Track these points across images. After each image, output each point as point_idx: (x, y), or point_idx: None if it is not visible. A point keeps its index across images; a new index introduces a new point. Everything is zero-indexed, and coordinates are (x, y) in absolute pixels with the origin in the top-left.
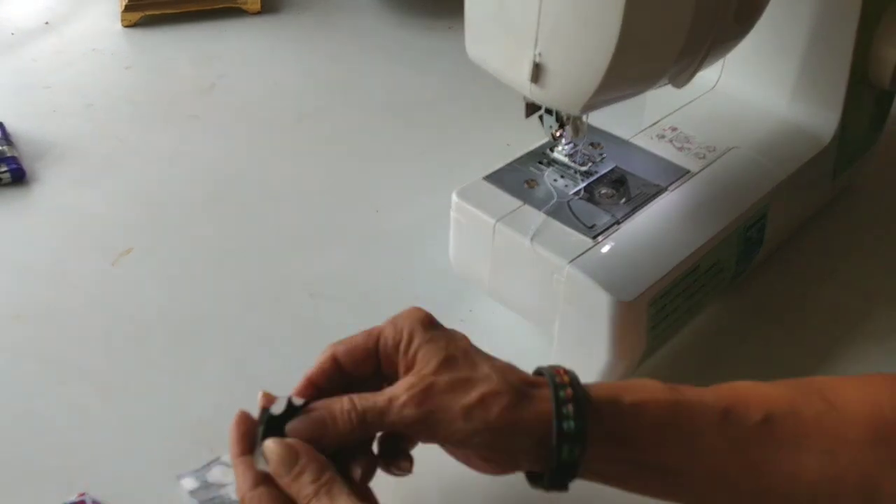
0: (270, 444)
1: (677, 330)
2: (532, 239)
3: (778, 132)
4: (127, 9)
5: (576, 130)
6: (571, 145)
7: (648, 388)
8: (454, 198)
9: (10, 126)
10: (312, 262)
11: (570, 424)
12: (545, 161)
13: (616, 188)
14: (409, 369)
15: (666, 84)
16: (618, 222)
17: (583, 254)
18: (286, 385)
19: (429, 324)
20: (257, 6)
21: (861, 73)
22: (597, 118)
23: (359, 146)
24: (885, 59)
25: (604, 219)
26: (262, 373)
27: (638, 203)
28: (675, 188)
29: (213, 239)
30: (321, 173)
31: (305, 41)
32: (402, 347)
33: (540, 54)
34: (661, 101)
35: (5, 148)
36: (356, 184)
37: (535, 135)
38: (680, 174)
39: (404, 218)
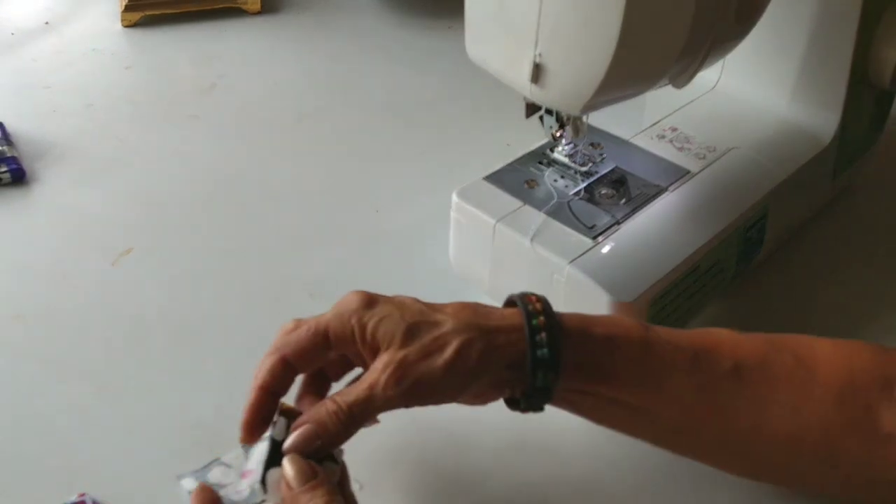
0: (290, 461)
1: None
2: (532, 239)
3: (778, 132)
4: (127, 9)
5: (576, 131)
6: (571, 145)
7: (621, 324)
8: (454, 198)
9: (10, 126)
10: (312, 262)
11: (543, 352)
12: (545, 161)
13: (616, 188)
14: (374, 351)
15: (666, 84)
16: (618, 222)
17: (583, 254)
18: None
19: (372, 303)
20: (257, 6)
21: (861, 73)
22: (597, 118)
23: (359, 146)
24: (885, 59)
25: (604, 219)
26: None
27: (638, 203)
28: (676, 188)
29: (213, 239)
30: (321, 173)
31: (305, 41)
32: (357, 337)
33: (540, 54)
34: (661, 101)
35: (5, 148)
36: (356, 184)
37: (535, 135)
38: (680, 174)
39: (404, 218)
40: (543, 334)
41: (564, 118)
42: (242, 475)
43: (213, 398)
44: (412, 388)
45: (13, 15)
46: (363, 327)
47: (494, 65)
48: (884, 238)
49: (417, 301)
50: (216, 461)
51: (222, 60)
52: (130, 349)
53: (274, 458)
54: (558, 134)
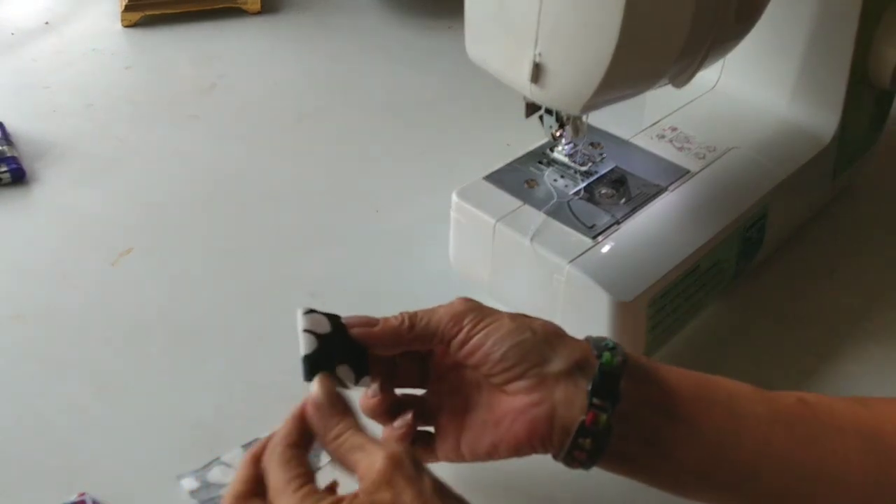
0: (321, 380)
1: (677, 330)
2: (532, 239)
3: (778, 132)
4: (127, 9)
5: (576, 130)
6: (571, 145)
7: (672, 367)
8: (454, 198)
9: (10, 126)
10: (312, 262)
11: (608, 342)
12: (545, 161)
13: (616, 188)
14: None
15: (666, 84)
16: (618, 222)
17: (583, 254)
18: (288, 385)
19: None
20: (257, 6)
21: (861, 73)
22: (597, 118)
23: (359, 146)
24: (885, 58)
25: (604, 219)
26: (262, 373)
27: (638, 203)
28: (675, 188)
29: (213, 239)
30: (321, 173)
31: (305, 41)
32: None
33: (540, 54)
34: (661, 101)
35: (5, 148)
36: (356, 184)
37: (535, 135)
38: (680, 174)
39: (404, 218)
40: (605, 340)
41: (564, 118)
42: None
43: (213, 398)
44: (475, 308)
45: (13, 15)
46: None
47: (494, 64)
48: (884, 238)
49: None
50: (216, 461)
51: (222, 60)
52: (130, 349)
53: (321, 361)
54: (558, 134)
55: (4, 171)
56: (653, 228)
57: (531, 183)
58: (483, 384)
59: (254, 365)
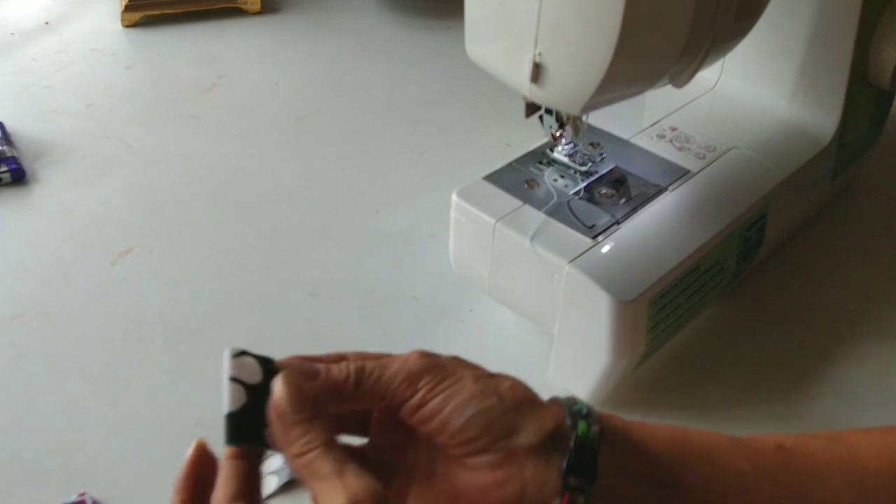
0: (285, 378)
1: (677, 330)
2: (532, 239)
3: (778, 132)
4: (127, 9)
5: (576, 130)
6: (571, 145)
7: (645, 423)
8: (454, 198)
9: (11, 126)
10: (312, 262)
11: (581, 406)
12: (545, 161)
13: (616, 188)
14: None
15: (666, 84)
16: (618, 222)
17: (583, 254)
18: None
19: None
20: (257, 6)
21: (861, 73)
22: (597, 118)
23: (359, 146)
24: (885, 59)
25: (604, 219)
26: None
27: (638, 203)
28: (675, 188)
29: (213, 239)
30: (321, 173)
31: (305, 41)
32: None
33: (540, 54)
34: (660, 101)
35: (5, 148)
36: (356, 184)
37: (535, 135)
38: (680, 174)
39: (404, 218)
40: (578, 401)
41: (564, 118)
42: None
43: (213, 398)
44: (434, 367)
45: (13, 15)
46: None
47: (494, 64)
48: (883, 238)
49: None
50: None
51: (222, 60)
52: (130, 349)
53: (242, 432)
54: (558, 134)
55: (4, 171)
56: (653, 228)
57: (531, 183)
58: (439, 450)
59: None
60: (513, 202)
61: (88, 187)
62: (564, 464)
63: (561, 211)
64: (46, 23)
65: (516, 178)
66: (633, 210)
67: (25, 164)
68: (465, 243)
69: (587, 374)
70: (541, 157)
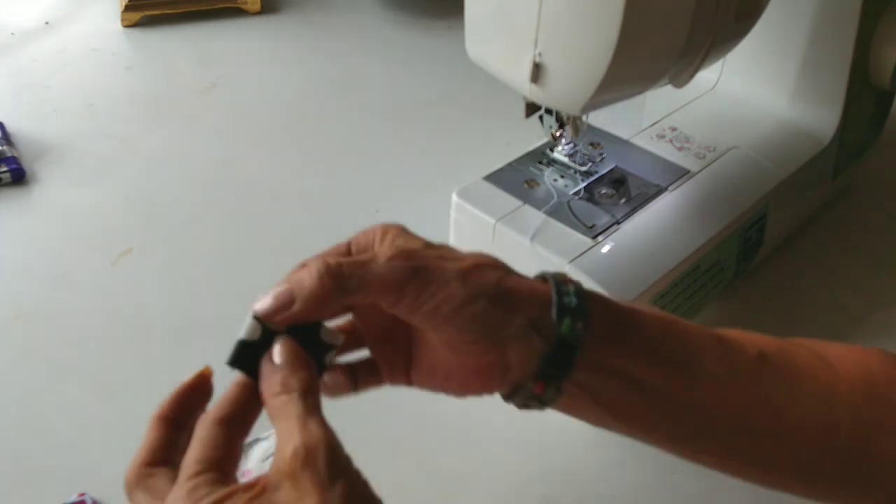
0: (282, 340)
1: None
2: (532, 239)
3: (778, 132)
4: (127, 9)
5: (576, 130)
6: (571, 145)
7: (641, 305)
8: (454, 198)
9: (10, 126)
10: None
11: (571, 299)
12: (545, 161)
13: (616, 188)
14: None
15: (666, 84)
16: (618, 222)
17: (583, 254)
18: None
19: (403, 227)
20: (257, 6)
21: (861, 73)
22: (597, 118)
23: (359, 146)
24: (885, 59)
25: (604, 219)
26: None
27: (638, 203)
28: (675, 188)
29: (213, 239)
30: (321, 173)
31: (305, 41)
32: (377, 242)
33: (540, 54)
34: (661, 100)
35: (5, 148)
36: (356, 183)
37: (535, 135)
38: (680, 174)
39: (404, 218)
40: (571, 286)
41: (564, 118)
42: (242, 475)
43: (214, 398)
44: (418, 271)
45: (13, 15)
46: (385, 235)
47: (494, 64)
48: (883, 238)
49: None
50: None
51: (222, 60)
52: (130, 349)
53: (243, 360)
54: (558, 133)
55: (4, 171)
56: (653, 228)
57: (531, 183)
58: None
59: None
60: (513, 202)
61: (88, 187)
62: (545, 354)
63: (561, 211)
64: (46, 23)
65: (516, 178)
66: (633, 210)
67: (25, 164)
68: (465, 243)
69: None
70: (541, 157)
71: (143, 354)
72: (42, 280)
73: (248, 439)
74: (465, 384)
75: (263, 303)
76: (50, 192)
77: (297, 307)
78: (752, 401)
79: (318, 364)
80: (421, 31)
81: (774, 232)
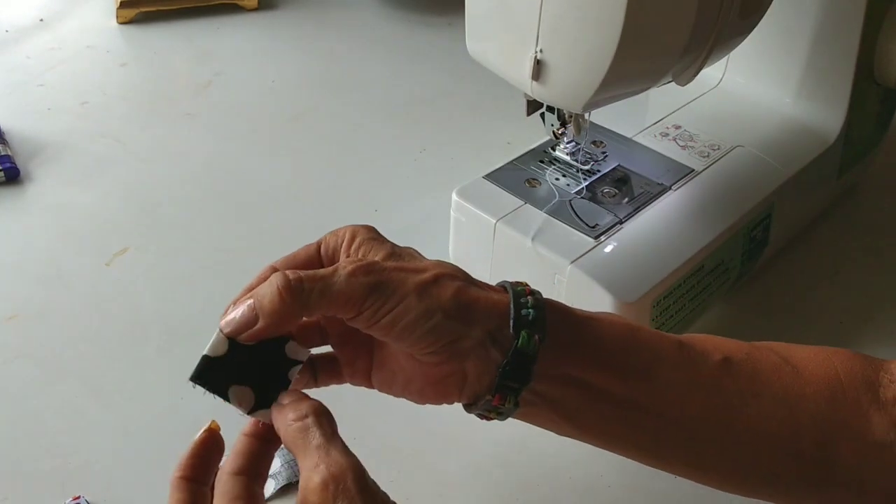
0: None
1: (681, 331)
2: (533, 239)
3: (783, 130)
4: (122, 5)
5: (577, 129)
6: (573, 144)
7: (602, 314)
8: (454, 197)
9: (4, 124)
10: None
11: (529, 312)
12: (546, 160)
13: (619, 187)
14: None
15: (669, 81)
16: (620, 222)
17: (585, 254)
18: None
19: (372, 230)
20: (254, 2)
21: (867, 71)
22: (599, 116)
23: (357, 144)
24: (891, 56)
25: (606, 218)
26: None
27: (641, 202)
28: (679, 187)
29: (209, 238)
30: (319, 172)
31: (303, 37)
32: (344, 246)
33: (541, 51)
34: (664, 98)
35: None
36: (354, 182)
37: (536, 133)
38: (684, 173)
39: (403, 217)
40: (529, 297)
41: (566, 116)
42: None
43: (210, 399)
44: (378, 285)
45: (7, 12)
46: (353, 238)
47: (495, 61)
48: (889, 237)
49: (413, 249)
50: None
51: (218, 57)
52: (126, 349)
53: (207, 376)
54: (560, 132)
55: None
56: (656, 228)
57: (532, 182)
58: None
59: None
60: (514, 201)
61: (83, 186)
62: (502, 366)
63: (562, 210)
64: (41, 20)
65: (517, 177)
66: (636, 209)
67: (19, 163)
68: (466, 243)
69: None
70: (542, 155)
71: (139, 355)
72: (36, 280)
73: None
74: (423, 393)
75: (229, 319)
76: (44, 191)
77: (260, 324)
78: (713, 409)
79: (283, 381)
80: (420, 27)
81: (780, 231)
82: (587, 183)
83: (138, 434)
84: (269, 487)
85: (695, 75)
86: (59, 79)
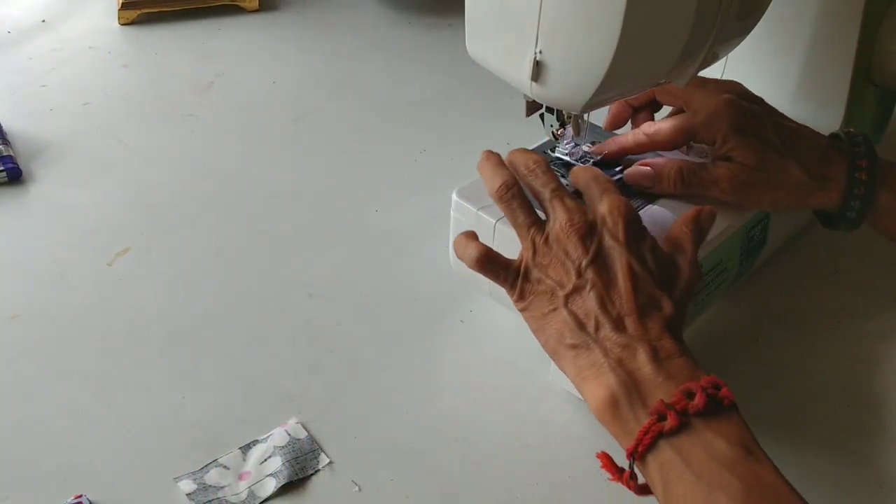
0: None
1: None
2: None
3: None
4: (124, 6)
5: (577, 129)
6: (572, 144)
7: None
8: (454, 197)
9: (7, 125)
10: (311, 263)
11: (852, 215)
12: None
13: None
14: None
15: (668, 82)
16: None
17: None
18: (286, 386)
19: (740, 128)
20: (255, 4)
21: (864, 72)
22: (598, 117)
23: (358, 145)
24: (889, 57)
25: None
26: (260, 373)
27: (639, 203)
28: None
29: (211, 239)
30: (320, 172)
31: (304, 39)
32: (717, 145)
33: (541, 52)
34: None
35: (1, 147)
36: (355, 183)
37: (535, 134)
38: None
39: (404, 218)
40: (861, 188)
41: (565, 116)
42: (240, 477)
43: (211, 399)
44: (738, 200)
45: (9, 13)
46: (724, 143)
47: (494, 62)
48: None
49: (775, 124)
50: (214, 463)
51: (220, 58)
52: (128, 350)
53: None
54: (559, 132)
55: (0, 171)
56: (655, 229)
57: None
58: None
59: (252, 366)
60: None
61: (85, 187)
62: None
63: None
64: (43, 21)
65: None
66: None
67: (22, 164)
68: None
69: None
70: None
71: (141, 355)
72: (38, 280)
73: (246, 441)
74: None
75: (632, 172)
76: (46, 192)
77: (652, 186)
78: None
79: None
80: (420, 28)
81: (778, 231)
82: None
83: (140, 433)
84: (270, 487)
85: (693, 76)
86: (60, 80)
